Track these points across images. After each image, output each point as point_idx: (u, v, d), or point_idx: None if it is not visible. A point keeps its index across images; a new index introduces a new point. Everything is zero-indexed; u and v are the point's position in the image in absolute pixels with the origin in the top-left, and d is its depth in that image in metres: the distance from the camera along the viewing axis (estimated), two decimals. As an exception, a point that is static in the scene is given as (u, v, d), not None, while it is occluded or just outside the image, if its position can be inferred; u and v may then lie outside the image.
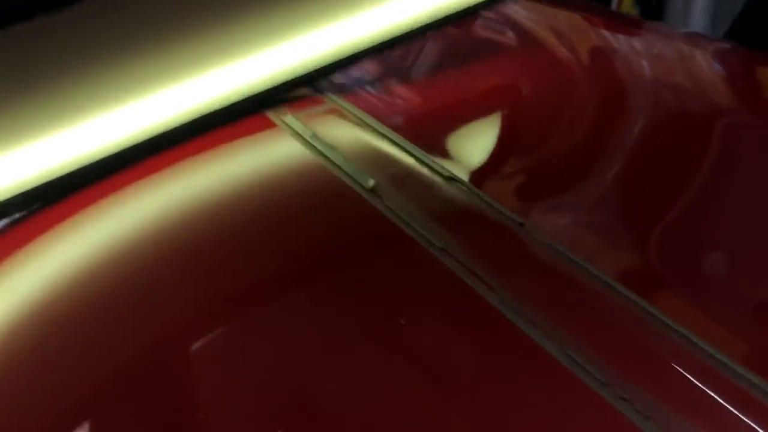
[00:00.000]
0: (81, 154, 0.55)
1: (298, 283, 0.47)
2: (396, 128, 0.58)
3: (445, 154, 0.57)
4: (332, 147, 0.56)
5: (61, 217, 0.54)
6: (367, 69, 0.67)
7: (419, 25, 0.64)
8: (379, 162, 0.55)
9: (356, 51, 0.63)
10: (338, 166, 0.54)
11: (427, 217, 0.48)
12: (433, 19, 0.64)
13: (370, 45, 0.63)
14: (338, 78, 0.65)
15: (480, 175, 0.54)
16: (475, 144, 0.58)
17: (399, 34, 0.63)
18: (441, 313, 0.44)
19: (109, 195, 0.56)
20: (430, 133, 0.59)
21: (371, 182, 0.51)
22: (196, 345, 0.44)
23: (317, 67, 0.62)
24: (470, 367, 0.40)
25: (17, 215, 0.55)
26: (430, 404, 0.39)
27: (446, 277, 0.44)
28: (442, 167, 0.53)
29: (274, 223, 0.51)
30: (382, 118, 0.60)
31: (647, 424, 0.35)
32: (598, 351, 0.39)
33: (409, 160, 0.54)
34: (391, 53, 0.67)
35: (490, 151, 0.57)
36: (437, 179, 0.52)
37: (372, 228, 0.49)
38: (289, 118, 0.60)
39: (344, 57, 0.62)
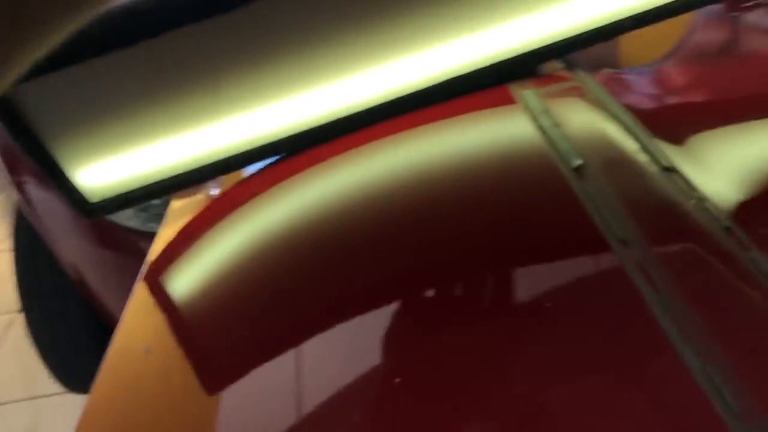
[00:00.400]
0: (318, 114, 0.60)
1: (470, 255, 0.46)
2: (635, 112, 0.53)
3: (679, 147, 0.50)
4: (557, 124, 0.53)
5: (295, 170, 0.61)
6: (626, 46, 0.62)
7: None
8: (598, 143, 0.51)
9: (616, 21, 0.58)
10: (553, 143, 0.51)
11: (623, 205, 0.44)
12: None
13: (631, 16, 0.58)
14: (593, 53, 0.61)
15: (704, 171, 0.47)
16: (717, 144, 0.51)
17: (661, 6, 0.57)
18: (598, 314, 0.40)
19: (344, 153, 0.60)
20: (672, 124, 0.53)
21: (578, 162, 0.48)
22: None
23: (571, 38, 0.59)
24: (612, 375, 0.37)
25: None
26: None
27: (617, 277, 0.40)
28: (665, 156, 0.47)
29: (469, 193, 0.51)
30: (627, 100, 0.55)
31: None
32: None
33: (632, 145, 0.49)
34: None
35: (731, 155, 0.49)
36: (653, 168, 0.47)
37: (558, 209, 0.46)
38: (528, 93, 0.58)
39: (602, 28, 0.58)
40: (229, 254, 0.56)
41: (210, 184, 0.66)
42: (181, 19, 0.52)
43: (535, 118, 0.55)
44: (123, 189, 0.61)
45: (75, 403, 1.79)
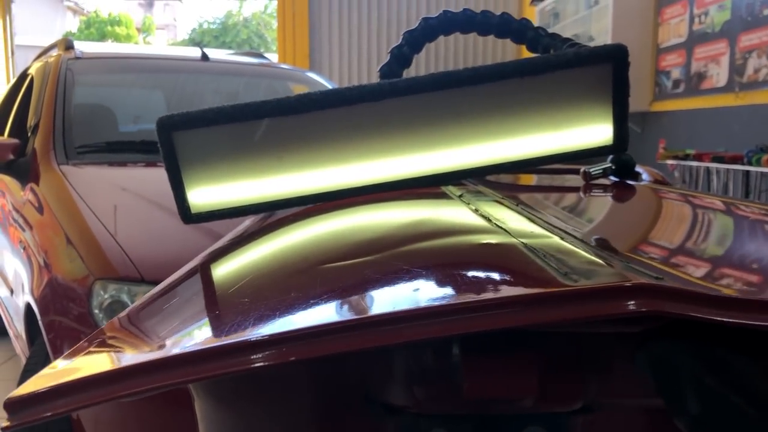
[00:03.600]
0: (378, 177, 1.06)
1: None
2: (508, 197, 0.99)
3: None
4: (469, 199, 0.98)
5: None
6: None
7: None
8: (487, 205, 0.96)
9: (514, 162, 1.06)
10: (466, 204, 0.96)
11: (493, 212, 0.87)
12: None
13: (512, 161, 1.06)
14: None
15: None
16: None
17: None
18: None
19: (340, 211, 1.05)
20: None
21: (459, 193, 0.93)
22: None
23: (478, 169, 1.06)
24: None
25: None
26: None
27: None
28: (502, 197, 0.92)
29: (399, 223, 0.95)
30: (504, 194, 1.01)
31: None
32: None
33: (504, 206, 0.94)
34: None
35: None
36: (503, 203, 0.91)
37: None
38: (452, 189, 1.04)
39: (504, 164, 1.06)
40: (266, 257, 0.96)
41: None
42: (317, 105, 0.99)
43: (456, 196, 1.00)
44: (214, 208, 1.03)
45: None
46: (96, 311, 1.94)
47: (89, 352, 0.65)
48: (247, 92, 3.81)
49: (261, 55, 4.84)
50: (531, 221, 0.82)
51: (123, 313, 0.78)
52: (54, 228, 2.32)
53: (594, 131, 1.06)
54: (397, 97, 1.01)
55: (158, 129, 0.98)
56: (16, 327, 2.68)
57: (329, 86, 3.86)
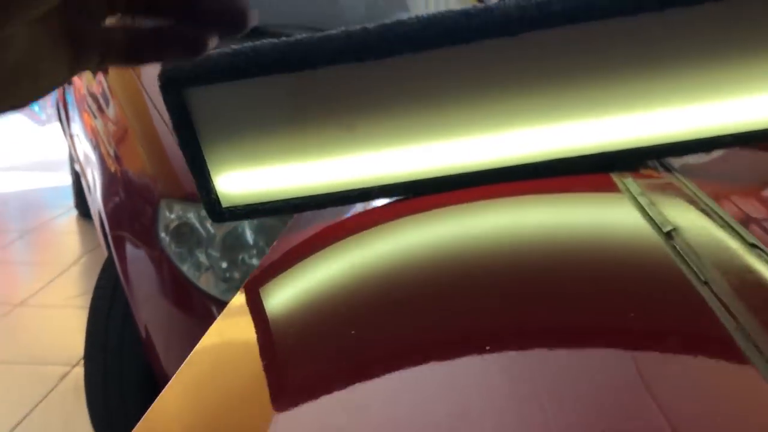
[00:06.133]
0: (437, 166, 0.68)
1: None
2: (729, 210, 0.58)
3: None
4: (653, 202, 0.59)
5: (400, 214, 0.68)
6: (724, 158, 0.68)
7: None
8: (689, 219, 0.56)
9: (714, 137, 0.65)
10: (648, 214, 0.57)
11: (712, 268, 0.48)
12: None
13: (727, 134, 0.65)
14: (690, 160, 0.68)
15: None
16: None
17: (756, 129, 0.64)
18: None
19: (447, 206, 0.67)
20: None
21: (669, 227, 0.53)
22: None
23: (671, 144, 0.65)
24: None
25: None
26: None
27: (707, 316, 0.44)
28: (749, 234, 0.52)
29: (574, 251, 0.56)
30: (719, 200, 0.61)
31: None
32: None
33: (720, 225, 0.55)
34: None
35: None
36: (740, 243, 0.51)
37: (652, 264, 0.51)
38: (628, 180, 0.65)
39: (701, 140, 0.65)
40: (327, 280, 0.62)
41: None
42: (347, 55, 0.61)
43: (633, 198, 0.61)
44: (253, 200, 0.69)
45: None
46: (162, 234, 1.68)
47: None
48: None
49: None
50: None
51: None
52: (122, 125, 2.05)
53: None
54: (550, 27, 0.60)
55: (163, 86, 0.62)
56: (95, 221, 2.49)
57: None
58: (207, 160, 0.66)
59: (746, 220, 0.57)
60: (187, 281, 1.56)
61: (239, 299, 0.61)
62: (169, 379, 0.50)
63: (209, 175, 0.67)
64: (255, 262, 1.61)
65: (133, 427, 0.45)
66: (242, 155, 0.66)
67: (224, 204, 0.69)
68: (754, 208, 0.62)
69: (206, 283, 1.55)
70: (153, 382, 1.68)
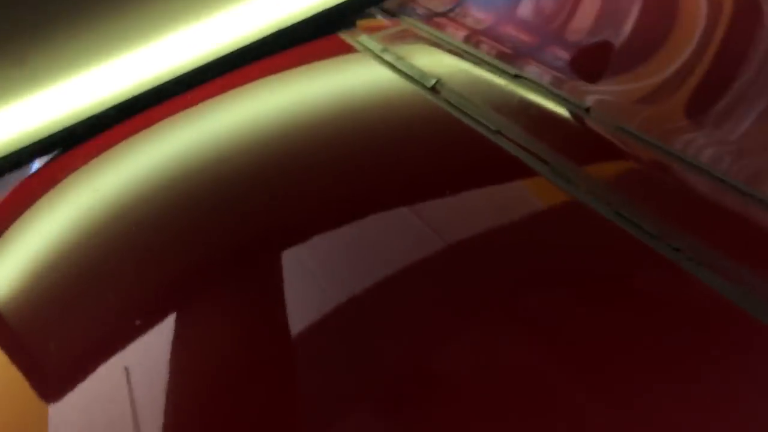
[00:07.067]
0: (155, 73, 0.57)
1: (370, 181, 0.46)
2: (468, 41, 0.56)
3: (516, 60, 0.54)
4: (400, 57, 0.55)
5: (123, 137, 0.57)
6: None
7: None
8: (445, 66, 0.53)
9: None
10: (402, 71, 0.53)
11: (486, 107, 0.46)
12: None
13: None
14: (410, 2, 0.65)
15: (547, 71, 0.51)
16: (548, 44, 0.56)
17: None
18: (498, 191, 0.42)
19: (174, 114, 0.58)
20: (503, 44, 0.57)
21: (432, 81, 0.50)
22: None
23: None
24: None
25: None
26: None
27: (502, 158, 0.42)
28: (510, 66, 0.51)
29: (348, 127, 0.51)
30: (454, 34, 0.58)
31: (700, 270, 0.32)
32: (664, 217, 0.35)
33: (478, 65, 0.53)
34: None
35: (562, 49, 0.54)
36: (503, 78, 0.50)
37: (430, 121, 0.48)
38: (363, 38, 0.60)
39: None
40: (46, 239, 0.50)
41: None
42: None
43: (377, 56, 0.56)
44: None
45: None
46: None
47: None
48: None
49: None
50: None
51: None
52: None
53: None
54: None
55: None
56: None
57: None
58: None
59: (499, 52, 0.55)
60: None
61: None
62: None
63: None
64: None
65: None
66: None
67: None
68: (499, 35, 0.61)
69: None
70: None
